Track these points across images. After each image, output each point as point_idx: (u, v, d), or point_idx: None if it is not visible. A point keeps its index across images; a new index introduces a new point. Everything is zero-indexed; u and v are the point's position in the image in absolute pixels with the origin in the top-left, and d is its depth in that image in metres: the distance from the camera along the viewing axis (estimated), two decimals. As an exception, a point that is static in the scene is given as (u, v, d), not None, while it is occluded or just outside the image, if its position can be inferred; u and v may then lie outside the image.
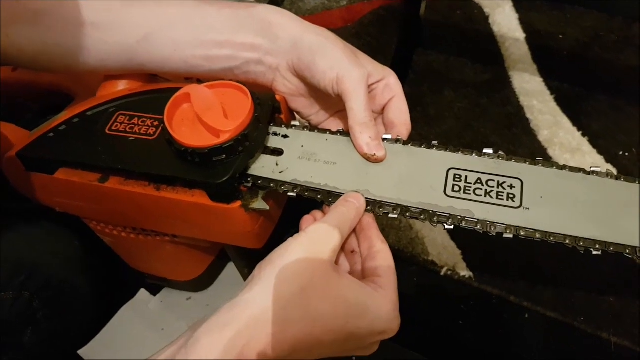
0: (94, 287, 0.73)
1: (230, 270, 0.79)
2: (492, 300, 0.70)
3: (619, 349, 0.64)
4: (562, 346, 0.66)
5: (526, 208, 0.42)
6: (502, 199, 0.43)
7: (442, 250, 0.76)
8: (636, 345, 0.63)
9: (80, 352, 0.73)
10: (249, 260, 0.66)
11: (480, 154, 0.47)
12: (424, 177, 0.46)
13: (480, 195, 0.44)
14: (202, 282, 0.76)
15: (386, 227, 0.80)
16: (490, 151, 0.47)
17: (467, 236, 0.76)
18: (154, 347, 0.72)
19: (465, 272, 0.73)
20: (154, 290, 0.78)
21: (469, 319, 0.69)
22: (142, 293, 0.78)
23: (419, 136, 0.91)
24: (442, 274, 0.74)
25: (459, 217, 0.43)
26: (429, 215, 0.44)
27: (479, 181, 0.45)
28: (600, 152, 0.83)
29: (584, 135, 0.86)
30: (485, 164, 0.46)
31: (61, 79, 0.69)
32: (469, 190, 0.44)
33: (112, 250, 0.71)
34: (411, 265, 0.75)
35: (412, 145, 0.49)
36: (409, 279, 0.75)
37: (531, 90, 0.95)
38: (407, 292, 0.74)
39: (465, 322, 0.69)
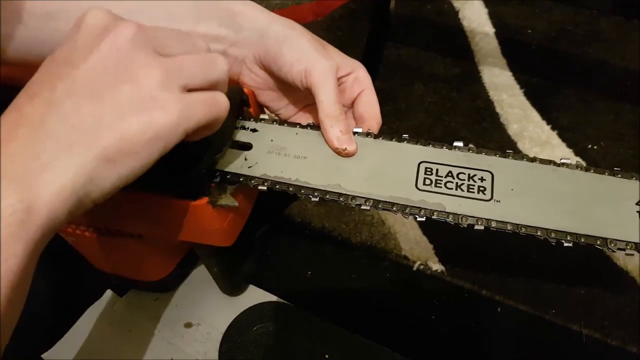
0: (54, 289, 0.71)
1: (199, 269, 0.77)
2: (464, 295, 0.70)
3: (590, 340, 0.64)
4: (534, 338, 0.66)
5: (497, 200, 0.42)
6: (473, 192, 0.43)
7: (415, 245, 0.75)
8: (606, 336, 0.64)
9: (44, 355, 0.70)
10: (219, 258, 0.64)
11: (451, 147, 0.46)
12: (395, 171, 0.45)
13: (452, 189, 0.43)
14: (169, 283, 0.74)
15: (359, 223, 0.79)
16: (460, 144, 0.46)
17: (439, 231, 0.76)
18: (120, 349, 0.70)
19: (437, 267, 0.73)
20: (121, 292, 0.76)
21: (441, 313, 0.69)
22: (109, 294, 0.76)
23: (390, 130, 0.91)
24: (414, 268, 0.74)
25: (430, 210, 0.42)
26: (401, 208, 0.43)
27: (449, 174, 0.44)
28: (569, 146, 0.84)
29: (553, 128, 0.87)
30: (455, 157, 0.45)
31: (24, 72, 0.66)
32: (440, 183, 0.44)
33: (75, 252, 0.68)
34: (384, 261, 0.75)
35: (383, 138, 0.48)
36: (382, 274, 0.74)
37: (501, 84, 0.95)
38: (379, 287, 0.73)
39: (438, 316, 0.69)
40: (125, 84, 0.32)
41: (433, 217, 0.42)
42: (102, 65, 0.32)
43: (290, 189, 0.46)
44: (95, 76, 0.32)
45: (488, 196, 0.42)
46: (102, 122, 0.31)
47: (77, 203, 0.30)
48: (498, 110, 0.91)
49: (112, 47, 0.32)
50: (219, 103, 0.37)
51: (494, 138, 0.87)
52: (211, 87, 0.37)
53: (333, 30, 1.11)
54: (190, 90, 0.35)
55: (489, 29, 1.05)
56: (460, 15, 1.09)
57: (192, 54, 0.36)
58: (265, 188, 0.47)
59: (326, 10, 1.16)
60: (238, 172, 0.47)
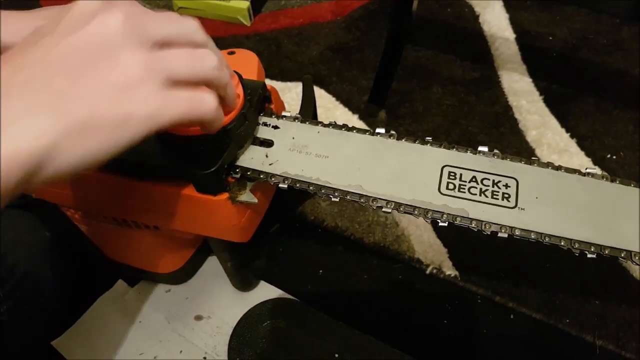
0: (63, 278, 0.71)
1: (212, 262, 0.77)
2: (477, 300, 0.70)
3: (604, 351, 0.64)
4: (547, 347, 0.66)
5: (521, 208, 0.42)
6: (497, 199, 0.42)
7: (428, 248, 0.75)
8: (620, 348, 0.64)
9: (54, 343, 0.71)
10: (233, 253, 0.64)
11: (475, 151, 0.46)
12: (418, 174, 0.45)
13: (475, 194, 0.43)
14: (182, 275, 0.75)
15: (372, 224, 0.79)
16: (485, 149, 0.46)
17: (453, 235, 0.76)
18: (130, 339, 0.71)
19: (451, 271, 0.73)
20: (132, 282, 0.76)
21: (454, 318, 0.69)
22: (120, 284, 0.76)
23: (407, 132, 0.90)
24: (427, 272, 0.73)
25: (453, 215, 0.42)
26: (423, 212, 0.43)
27: (473, 179, 0.44)
28: (587, 154, 0.83)
29: (572, 136, 0.86)
30: (480, 162, 0.45)
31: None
32: (464, 188, 0.43)
33: (87, 240, 0.69)
34: (396, 263, 0.75)
35: (405, 140, 0.48)
36: (394, 276, 0.74)
37: (520, 90, 0.95)
38: (391, 289, 0.73)
39: (450, 321, 0.69)
40: (105, 69, 0.31)
41: (456, 222, 0.42)
42: (85, 46, 0.31)
43: (311, 188, 0.46)
44: (75, 54, 0.31)
45: (512, 203, 0.42)
46: (74, 94, 0.30)
47: (30, 173, 0.28)
48: (517, 115, 0.90)
49: (99, 31, 0.31)
50: (204, 103, 0.35)
51: (512, 144, 0.86)
52: (200, 84, 0.35)
53: (352, 30, 1.11)
54: (175, 85, 0.34)
55: (509, 34, 1.04)
56: (481, 20, 1.08)
57: (181, 48, 0.35)
58: (285, 186, 0.47)
59: (345, 10, 1.15)
60: (259, 169, 0.47)
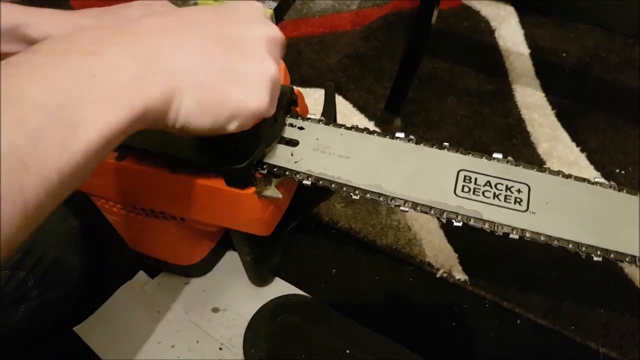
0: (88, 266, 0.74)
1: (229, 258, 0.80)
2: (485, 305, 0.72)
3: (607, 358, 0.66)
4: (552, 354, 0.67)
5: (532, 212, 0.44)
6: (510, 202, 0.45)
7: (439, 252, 0.77)
8: (623, 356, 0.66)
9: (75, 328, 0.73)
10: (253, 247, 0.67)
11: (490, 157, 0.48)
12: (435, 177, 0.47)
13: (489, 198, 0.45)
14: (201, 268, 0.77)
15: (385, 227, 0.81)
16: (499, 156, 0.48)
17: (464, 240, 0.78)
18: (149, 328, 0.73)
19: (460, 276, 0.75)
20: (153, 273, 0.79)
21: (462, 321, 0.71)
22: (141, 275, 0.79)
23: (421, 140, 0.93)
24: (438, 275, 0.75)
25: (467, 216, 0.45)
26: (438, 212, 0.45)
27: (488, 184, 0.46)
28: (596, 168, 0.86)
29: (582, 150, 0.89)
30: (494, 167, 0.47)
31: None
32: (478, 191, 0.46)
33: (112, 231, 0.71)
34: (408, 265, 0.77)
35: (424, 145, 0.50)
36: (405, 278, 0.76)
37: (533, 104, 0.97)
38: (402, 290, 0.75)
39: (458, 324, 0.71)
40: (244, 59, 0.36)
41: (470, 223, 0.44)
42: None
43: (333, 185, 0.49)
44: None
45: (524, 207, 0.44)
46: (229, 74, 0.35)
47: (164, 108, 0.32)
48: (529, 128, 0.93)
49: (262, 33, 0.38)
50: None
51: (523, 155, 0.89)
52: None
53: (370, 40, 1.14)
54: None
55: (524, 49, 1.07)
56: (496, 34, 1.11)
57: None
58: (309, 183, 0.49)
59: (365, 21, 1.19)
60: (284, 166, 0.50)
